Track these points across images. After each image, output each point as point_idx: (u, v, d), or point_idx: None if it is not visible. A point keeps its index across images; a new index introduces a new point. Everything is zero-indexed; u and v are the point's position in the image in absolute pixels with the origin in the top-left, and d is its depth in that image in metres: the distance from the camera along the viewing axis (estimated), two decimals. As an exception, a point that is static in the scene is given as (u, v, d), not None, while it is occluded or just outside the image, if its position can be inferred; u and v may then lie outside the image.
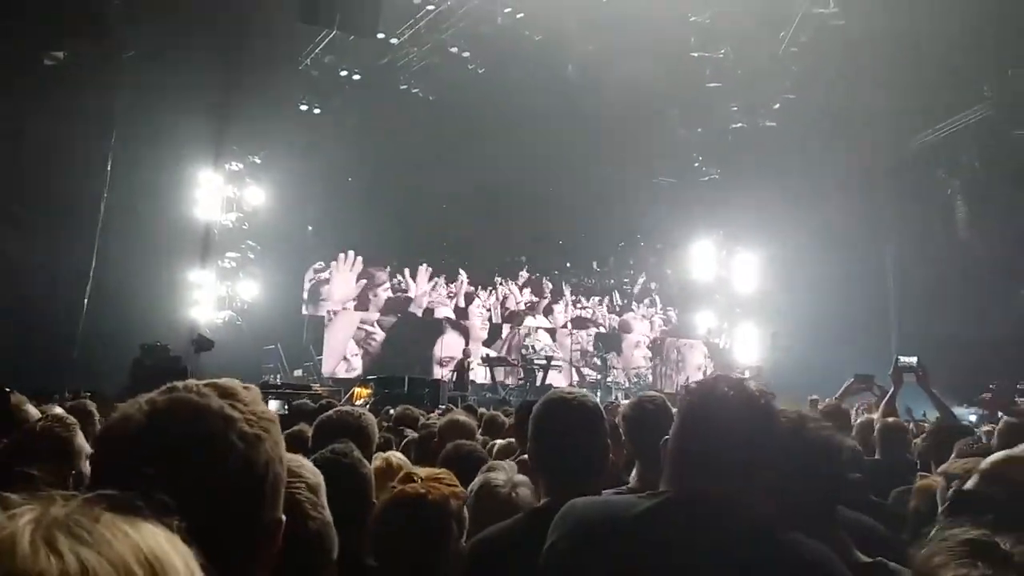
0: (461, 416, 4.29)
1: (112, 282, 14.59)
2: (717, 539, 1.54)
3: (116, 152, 14.96)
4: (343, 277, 19.99)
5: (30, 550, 0.55)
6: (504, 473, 2.64)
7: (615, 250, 24.30)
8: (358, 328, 19.80)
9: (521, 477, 2.62)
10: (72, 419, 2.88)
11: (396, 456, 3.18)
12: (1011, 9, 16.18)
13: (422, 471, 2.25)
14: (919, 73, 17.10)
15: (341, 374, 18.45)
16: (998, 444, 4.01)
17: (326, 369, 18.58)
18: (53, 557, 0.55)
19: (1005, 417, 4.69)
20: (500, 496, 2.51)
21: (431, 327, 20.88)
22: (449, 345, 20.52)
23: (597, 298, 24.02)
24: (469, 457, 2.98)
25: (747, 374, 22.96)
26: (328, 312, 19.47)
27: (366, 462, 2.67)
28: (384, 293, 20.61)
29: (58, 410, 3.77)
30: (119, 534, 0.60)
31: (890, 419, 4.71)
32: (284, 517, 1.15)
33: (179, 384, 1.10)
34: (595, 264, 24.06)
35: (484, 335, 21.71)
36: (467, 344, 20.19)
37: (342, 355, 19.32)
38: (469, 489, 2.59)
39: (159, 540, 0.63)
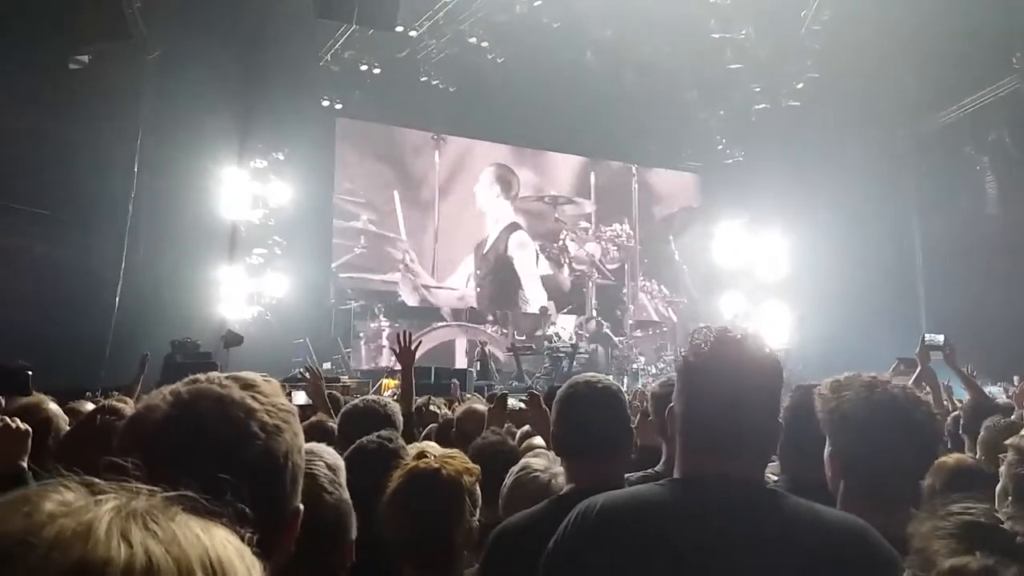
0: (479, 405, 4.33)
1: (142, 281, 14.84)
2: (748, 528, 1.47)
3: (143, 153, 15.16)
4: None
5: (104, 537, 0.58)
6: (545, 459, 2.67)
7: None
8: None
9: (560, 468, 2.64)
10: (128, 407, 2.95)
11: (431, 445, 3.23)
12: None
13: (437, 450, 2.30)
14: (944, 47, 16.80)
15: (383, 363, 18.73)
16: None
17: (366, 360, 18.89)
18: (123, 546, 0.58)
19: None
20: (539, 482, 2.54)
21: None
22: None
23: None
24: (496, 456, 2.99)
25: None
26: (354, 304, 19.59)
27: (407, 448, 2.73)
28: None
29: (89, 406, 3.86)
30: (191, 535, 0.62)
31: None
32: (302, 506, 1.18)
33: (202, 376, 1.14)
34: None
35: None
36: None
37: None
38: (509, 472, 2.64)
39: (228, 547, 0.64)
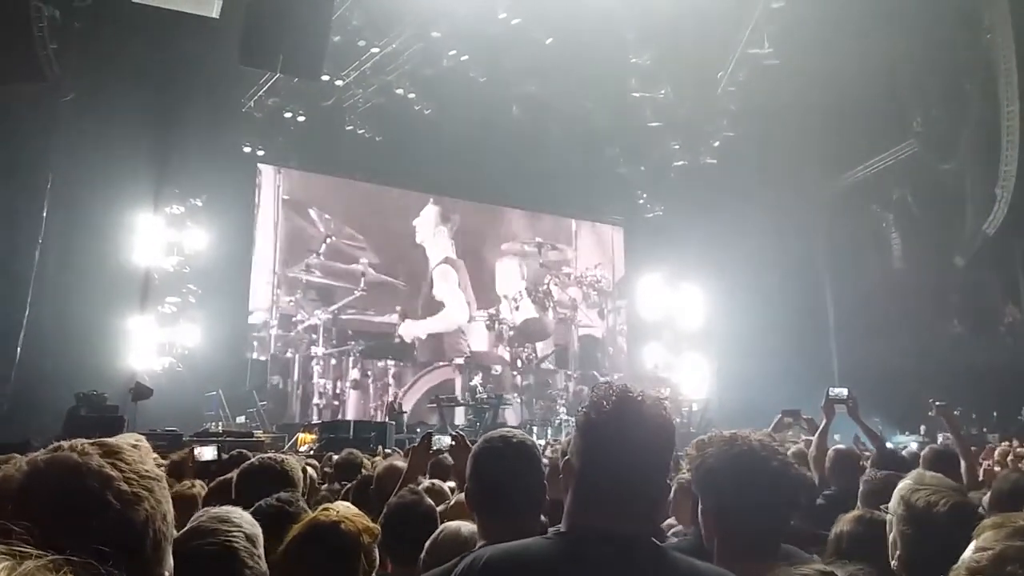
0: (399, 462, 4.21)
1: (47, 330, 14.15)
2: None
3: (52, 197, 14.60)
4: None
5: None
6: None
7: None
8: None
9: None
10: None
11: (343, 505, 3.11)
12: (935, 50, 16.98)
13: (340, 506, 2.25)
14: (850, 110, 17.77)
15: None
16: (924, 468, 4.14)
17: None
18: None
19: (929, 445, 4.83)
20: (460, 538, 2.49)
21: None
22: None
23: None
24: (412, 513, 2.91)
25: (695, 407, 23.31)
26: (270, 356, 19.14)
27: (309, 510, 2.63)
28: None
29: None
30: None
31: (842, 447, 4.81)
32: (168, 573, 1.18)
33: (65, 443, 1.13)
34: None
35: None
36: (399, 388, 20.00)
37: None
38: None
39: None
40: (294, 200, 19.94)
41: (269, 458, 3.05)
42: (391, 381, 20.39)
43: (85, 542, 0.98)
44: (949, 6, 16.21)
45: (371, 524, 2.16)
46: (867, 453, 6.01)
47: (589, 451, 1.66)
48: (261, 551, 1.80)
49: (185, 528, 1.89)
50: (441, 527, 2.66)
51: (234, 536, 1.77)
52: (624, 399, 1.66)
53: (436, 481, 3.93)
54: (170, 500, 1.19)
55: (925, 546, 2.12)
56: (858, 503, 3.52)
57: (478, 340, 22.47)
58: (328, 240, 19.91)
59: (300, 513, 2.40)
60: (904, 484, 2.36)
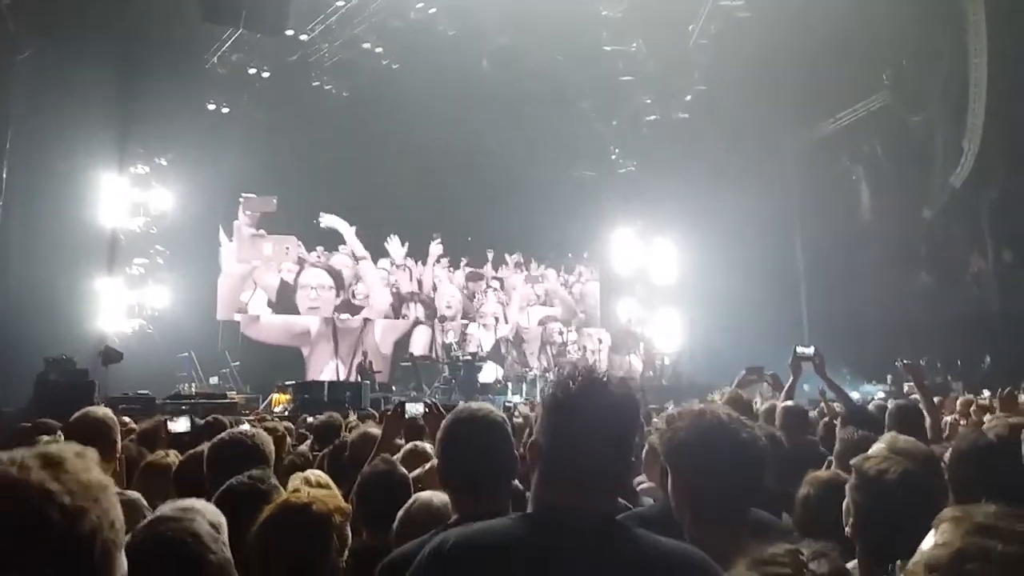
0: (373, 429, 4.21)
1: (12, 294, 13.88)
2: (590, 562, 1.53)
3: (12, 158, 14.21)
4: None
5: None
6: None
7: (533, 245, 24.36)
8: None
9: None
10: None
11: (314, 474, 3.12)
12: (905, 3, 16.94)
13: (312, 475, 2.27)
14: (821, 63, 17.75)
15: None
16: (889, 425, 4.25)
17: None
18: None
19: (895, 400, 4.93)
20: (433, 508, 2.51)
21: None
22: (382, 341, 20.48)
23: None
24: (385, 482, 2.92)
25: (667, 360, 23.61)
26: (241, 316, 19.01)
27: (281, 488, 2.64)
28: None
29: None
30: None
31: (789, 403, 4.90)
32: None
33: (3, 457, 1.10)
34: (506, 258, 24.02)
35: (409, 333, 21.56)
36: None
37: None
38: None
39: None
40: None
41: (240, 433, 3.04)
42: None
43: (29, 563, 0.98)
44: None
45: (342, 504, 2.18)
46: (834, 407, 6.14)
47: (554, 431, 1.68)
48: (225, 537, 1.81)
49: (147, 518, 1.90)
50: (414, 497, 2.68)
51: (196, 522, 1.77)
52: (589, 380, 1.68)
53: (418, 444, 3.95)
54: (118, 506, 1.17)
55: (875, 514, 2.15)
56: (832, 461, 3.60)
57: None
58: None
59: (272, 491, 2.41)
60: (878, 447, 2.39)
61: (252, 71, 17.81)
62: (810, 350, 5.49)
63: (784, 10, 15.83)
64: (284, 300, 19.76)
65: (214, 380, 16.16)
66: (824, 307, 20.55)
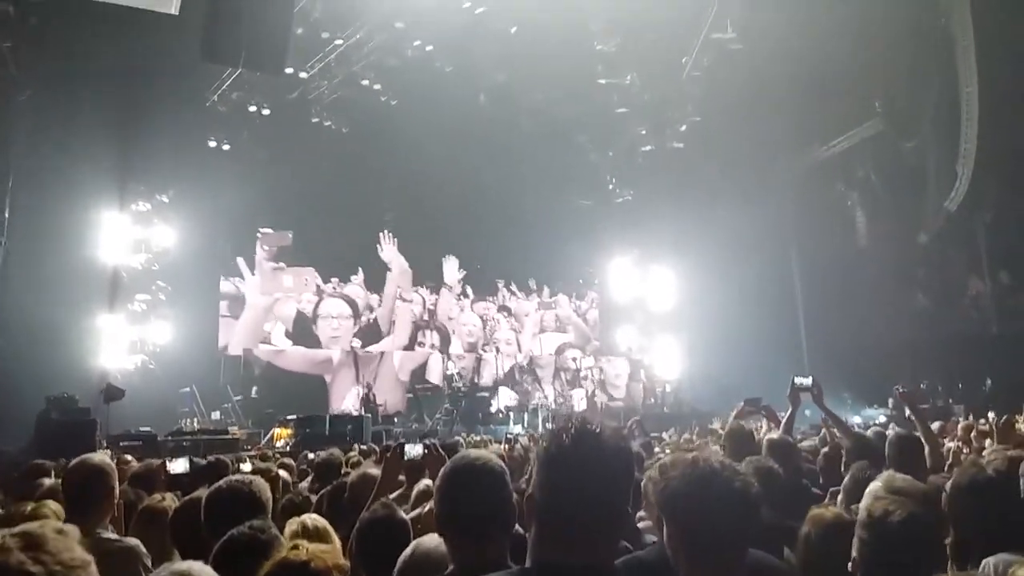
0: (372, 469, 4.22)
1: (14, 332, 13.90)
2: None
3: (14, 197, 14.33)
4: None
5: None
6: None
7: (536, 274, 24.46)
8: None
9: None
10: None
11: (311, 520, 3.14)
12: (896, 32, 17.17)
13: (310, 544, 2.27)
14: (813, 92, 17.95)
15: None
16: (890, 455, 4.27)
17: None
18: None
19: (895, 429, 4.94)
20: (433, 559, 2.52)
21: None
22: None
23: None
24: (384, 528, 2.94)
25: (668, 387, 23.58)
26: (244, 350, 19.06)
27: (281, 537, 2.66)
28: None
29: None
30: None
31: (773, 435, 4.91)
32: None
33: None
34: (513, 288, 24.10)
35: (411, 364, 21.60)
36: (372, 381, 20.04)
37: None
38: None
39: None
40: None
41: (237, 481, 3.05)
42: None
43: None
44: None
45: (340, 560, 2.17)
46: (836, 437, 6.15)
47: (549, 486, 1.69)
48: None
49: None
50: (415, 544, 2.68)
51: None
52: (583, 432, 1.70)
53: (428, 483, 3.97)
54: None
55: (878, 555, 2.18)
56: (840, 497, 3.63)
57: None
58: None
59: (273, 541, 2.42)
60: (875, 486, 2.43)
61: (252, 108, 18.00)
62: (808, 380, 5.50)
63: (776, 42, 16.04)
64: (305, 330, 20.14)
65: (216, 415, 16.16)
66: (823, 331, 20.59)
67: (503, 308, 23.56)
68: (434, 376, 21.36)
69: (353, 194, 19.12)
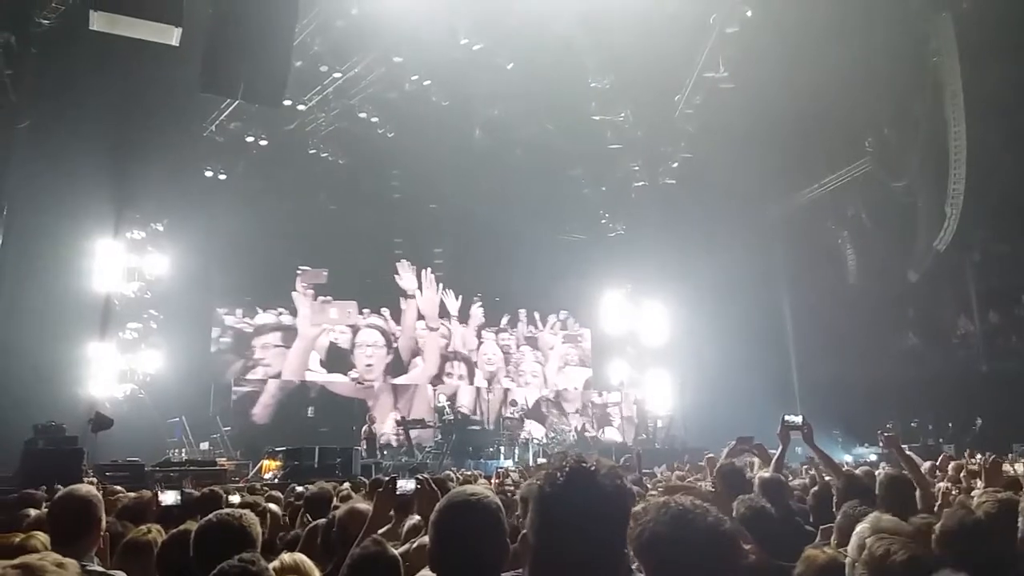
0: (362, 504, 4.20)
1: (3, 360, 13.84)
2: None
3: (9, 224, 14.33)
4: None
5: None
6: None
7: (531, 305, 24.50)
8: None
9: None
10: None
11: (298, 558, 3.12)
12: (885, 73, 17.45)
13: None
14: (804, 131, 18.18)
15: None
16: (880, 495, 4.28)
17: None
18: None
19: (885, 469, 4.96)
20: None
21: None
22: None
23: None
24: (375, 565, 2.94)
25: (659, 423, 23.53)
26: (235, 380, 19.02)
27: (270, 570, 2.65)
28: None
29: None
30: None
31: (764, 474, 4.93)
32: None
33: None
34: (506, 321, 24.14)
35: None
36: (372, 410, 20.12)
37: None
38: None
39: None
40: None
41: (227, 515, 3.04)
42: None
43: None
44: (898, 32, 16.69)
45: None
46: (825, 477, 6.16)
47: (544, 527, 1.69)
48: None
49: None
50: None
51: None
52: (576, 471, 1.70)
53: (418, 518, 3.96)
54: None
55: None
56: (833, 536, 3.64)
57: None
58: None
59: (262, 573, 2.42)
60: (862, 528, 2.44)
61: (250, 139, 18.11)
62: (798, 419, 5.54)
63: (767, 81, 16.27)
64: (343, 359, 21.15)
65: (204, 445, 16.02)
66: (813, 369, 20.61)
67: (528, 338, 24.20)
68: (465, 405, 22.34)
69: (347, 224, 19.19)
